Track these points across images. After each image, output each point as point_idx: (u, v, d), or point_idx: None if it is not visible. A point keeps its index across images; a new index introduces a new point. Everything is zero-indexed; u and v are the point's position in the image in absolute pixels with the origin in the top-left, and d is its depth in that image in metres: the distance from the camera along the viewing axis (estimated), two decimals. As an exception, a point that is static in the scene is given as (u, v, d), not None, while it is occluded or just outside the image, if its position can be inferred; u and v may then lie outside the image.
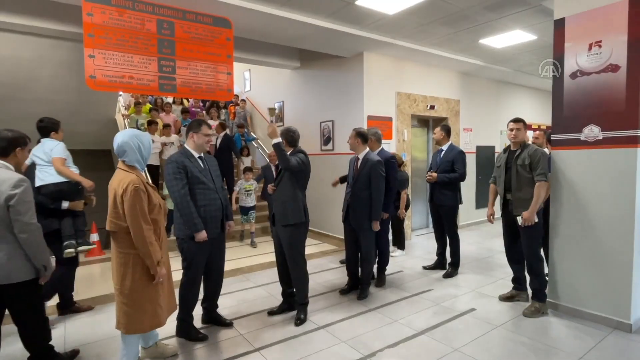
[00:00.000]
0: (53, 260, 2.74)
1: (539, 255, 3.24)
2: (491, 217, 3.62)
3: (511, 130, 3.28)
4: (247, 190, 5.66)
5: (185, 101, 8.48)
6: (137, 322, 2.22)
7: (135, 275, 2.17)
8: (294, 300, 3.28)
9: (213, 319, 3.12)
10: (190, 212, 2.66)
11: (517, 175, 3.23)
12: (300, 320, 3.12)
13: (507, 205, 3.36)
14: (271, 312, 3.32)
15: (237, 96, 8.95)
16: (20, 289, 2.11)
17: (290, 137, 3.13)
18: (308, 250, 3.68)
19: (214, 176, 2.89)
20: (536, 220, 3.12)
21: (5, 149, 2.17)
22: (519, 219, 3.16)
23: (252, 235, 5.75)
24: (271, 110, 3.18)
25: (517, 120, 3.29)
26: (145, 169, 2.37)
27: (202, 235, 2.70)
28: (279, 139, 3.01)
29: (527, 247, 3.24)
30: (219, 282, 3.07)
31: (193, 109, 7.88)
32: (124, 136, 2.21)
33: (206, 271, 2.94)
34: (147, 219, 2.14)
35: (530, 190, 3.14)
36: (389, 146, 5.74)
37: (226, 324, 3.11)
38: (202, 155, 2.87)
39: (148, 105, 7.65)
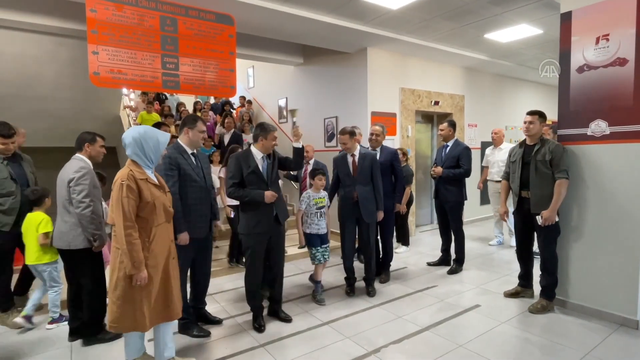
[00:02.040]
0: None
1: (555, 254, 3.16)
2: (505, 216, 3.52)
3: (524, 122, 3.18)
4: (318, 208, 3.40)
5: (198, 114, 7.78)
6: (117, 319, 2.14)
7: (120, 272, 2.11)
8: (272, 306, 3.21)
9: (202, 316, 3.09)
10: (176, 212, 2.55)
11: (536, 171, 3.10)
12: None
13: (523, 203, 3.24)
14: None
15: (243, 97, 8.85)
16: (81, 255, 2.68)
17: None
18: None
19: (205, 174, 2.85)
20: (556, 219, 3.04)
21: (79, 145, 2.81)
22: (538, 218, 3.05)
23: (318, 286, 3.60)
24: (293, 112, 3.15)
25: (531, 113, 3.19)
26: (152, 167, 2.32)
27: (184, 237, 2.63)
28: (301, 144, 3.04)
29: (544, 246, 3.15)
30: (206, 284, 3.06)
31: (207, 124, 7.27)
32: (129, 130, 2.25)
33: (193, 271, 2.93)
34: (127, 216, 2.08)
35: (549, 187, 3.03)
36: (393, 142, 5.72)
37: (215, 321, 3.11)
38: (194, 151, 2.83)
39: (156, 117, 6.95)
